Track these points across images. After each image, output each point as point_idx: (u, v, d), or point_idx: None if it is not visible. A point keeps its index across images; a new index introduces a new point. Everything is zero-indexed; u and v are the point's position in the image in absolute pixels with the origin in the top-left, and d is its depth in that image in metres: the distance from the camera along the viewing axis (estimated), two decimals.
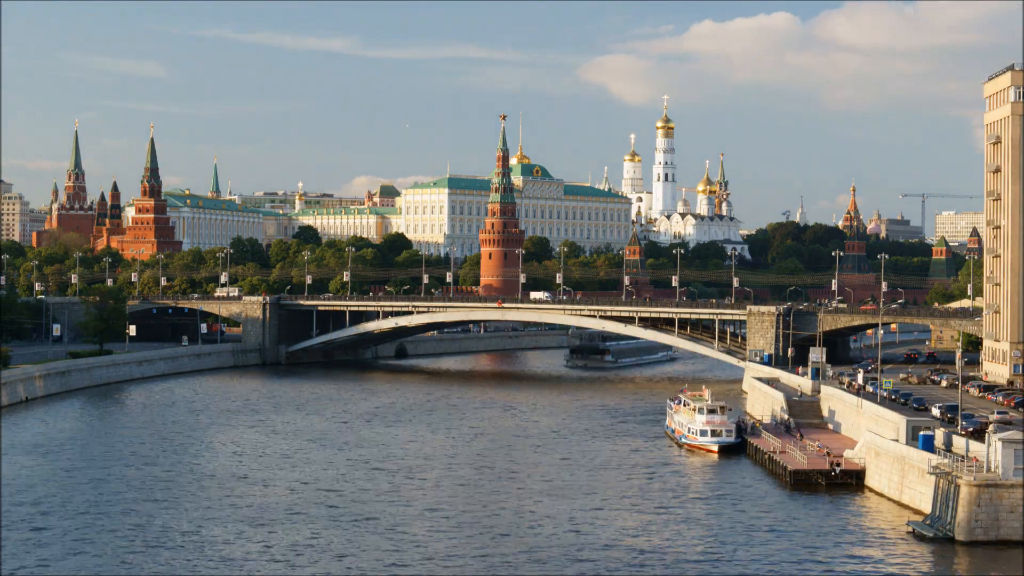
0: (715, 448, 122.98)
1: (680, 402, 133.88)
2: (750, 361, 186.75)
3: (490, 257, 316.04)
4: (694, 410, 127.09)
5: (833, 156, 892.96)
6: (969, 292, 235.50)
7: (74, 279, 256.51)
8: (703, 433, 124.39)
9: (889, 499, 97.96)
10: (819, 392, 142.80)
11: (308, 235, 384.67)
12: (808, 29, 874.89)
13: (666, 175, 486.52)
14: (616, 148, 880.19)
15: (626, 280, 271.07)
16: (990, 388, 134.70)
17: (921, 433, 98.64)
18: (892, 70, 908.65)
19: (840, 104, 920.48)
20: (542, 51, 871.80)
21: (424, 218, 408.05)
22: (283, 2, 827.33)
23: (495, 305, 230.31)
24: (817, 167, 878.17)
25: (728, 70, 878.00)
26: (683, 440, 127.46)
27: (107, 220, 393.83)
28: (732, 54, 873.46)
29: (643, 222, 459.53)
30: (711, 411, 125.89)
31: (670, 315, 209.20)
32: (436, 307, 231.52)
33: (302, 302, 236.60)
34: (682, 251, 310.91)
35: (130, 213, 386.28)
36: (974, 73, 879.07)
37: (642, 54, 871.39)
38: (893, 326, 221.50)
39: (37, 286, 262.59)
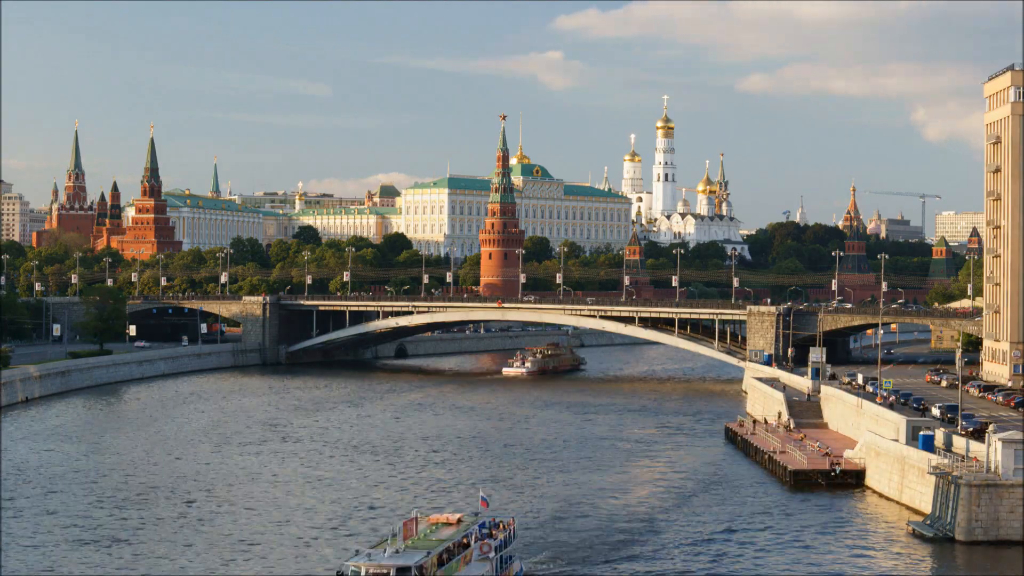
0: None
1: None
2: (750, 361, 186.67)
3: (490, 257, 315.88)
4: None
5: (833, 155, 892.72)
6: (969, 292, 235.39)
7: (74, 279, 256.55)
8: None
9: (889, 499, 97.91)
10: (819, 392, 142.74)
11: (308, 235, 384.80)
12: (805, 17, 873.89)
13: (666, 175, 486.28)
14: (617, 148, 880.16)
15: (626, 280, 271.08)
16: (990, 388, 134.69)
17: (921, 433, 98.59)
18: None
19: (837, 98, 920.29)
20: (539, 50, 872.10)
21: (424, 218, 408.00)
22: (279, 3, 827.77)
23: (495, 305, 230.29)
24: (817, 167, 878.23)
25: (726, 64, 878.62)
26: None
27: (107, 220, 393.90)
28: (733, 49, 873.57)
29: (643, 222, 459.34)
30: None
31: (670, 315, 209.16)
32: (436, 307, 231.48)
33: (302, 302, 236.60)
34: (682, 251, 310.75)
35: (130, 213, 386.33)
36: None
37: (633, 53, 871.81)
38: (893, 326, 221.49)
39: (37, 286, 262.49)
